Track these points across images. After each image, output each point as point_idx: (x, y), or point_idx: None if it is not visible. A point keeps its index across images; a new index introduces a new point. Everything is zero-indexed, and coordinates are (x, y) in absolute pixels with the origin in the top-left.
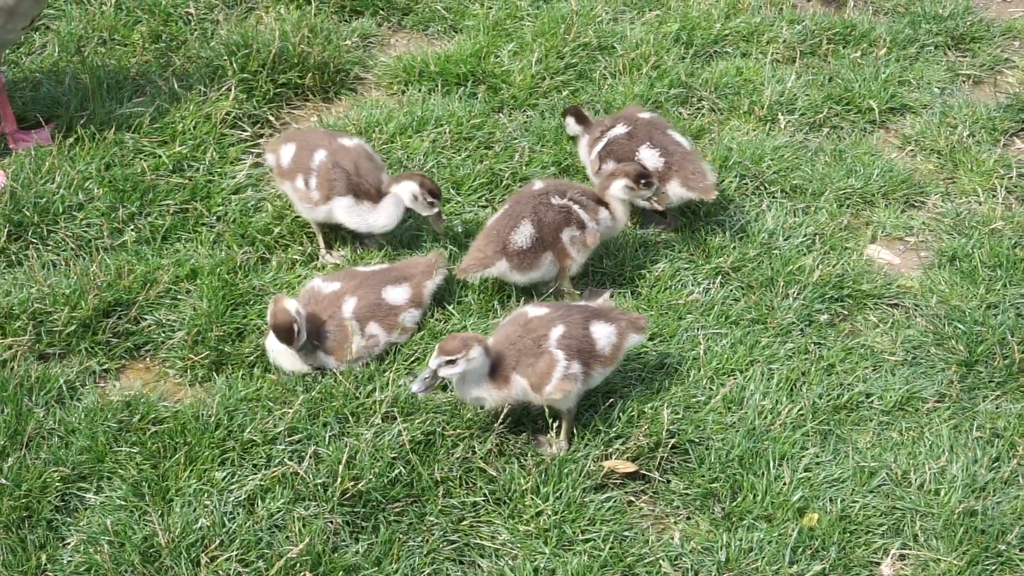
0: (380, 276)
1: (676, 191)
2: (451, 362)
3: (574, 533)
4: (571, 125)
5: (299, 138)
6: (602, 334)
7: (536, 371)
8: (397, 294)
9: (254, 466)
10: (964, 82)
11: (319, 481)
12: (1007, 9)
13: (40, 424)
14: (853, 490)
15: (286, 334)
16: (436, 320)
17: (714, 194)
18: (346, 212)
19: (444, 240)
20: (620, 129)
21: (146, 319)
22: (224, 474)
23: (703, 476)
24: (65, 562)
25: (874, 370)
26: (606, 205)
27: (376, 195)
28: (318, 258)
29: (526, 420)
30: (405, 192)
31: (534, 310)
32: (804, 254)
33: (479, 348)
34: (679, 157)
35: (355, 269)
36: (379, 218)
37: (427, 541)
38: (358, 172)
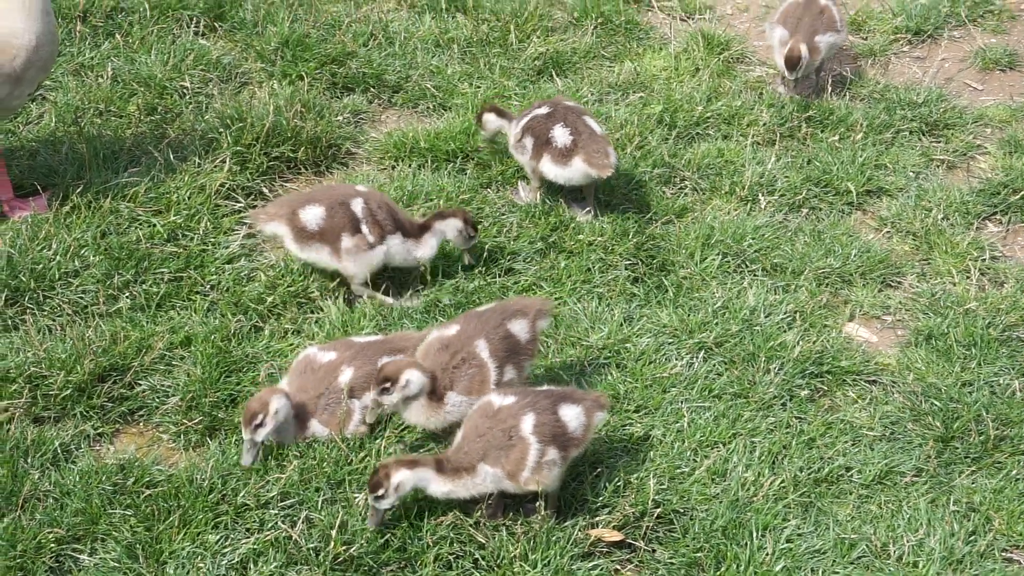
0: (376, 347)
1: (579, 167)
2: (380, 498)
3: None
4: (491, 121)
5: (319, 198)
6: (571, 415)
7: (510, 459)
8: None
9: (247, 530)
10: (938, 167)
11: (312, 545)
12: (979, 97)
13: (35, 486)
14: (834, 561)
15: (249, 422)
16: None
17: (609, 172)
18: (398, 249)
19: (436, 313)
20: (542, 110)
21: (140, 384)
22: (217, 537)
23: (687, 546)
24: None
25: (853, 444)
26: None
27: (411, 229)
28: (400, 301)
29: None
30: (451, 227)
31: (500, 399)
32: (785, 331)
33: (400, 475)
34: (586, 137)
35: (351, 339)
36: (425, 251)
37: None
38: (393, 210)
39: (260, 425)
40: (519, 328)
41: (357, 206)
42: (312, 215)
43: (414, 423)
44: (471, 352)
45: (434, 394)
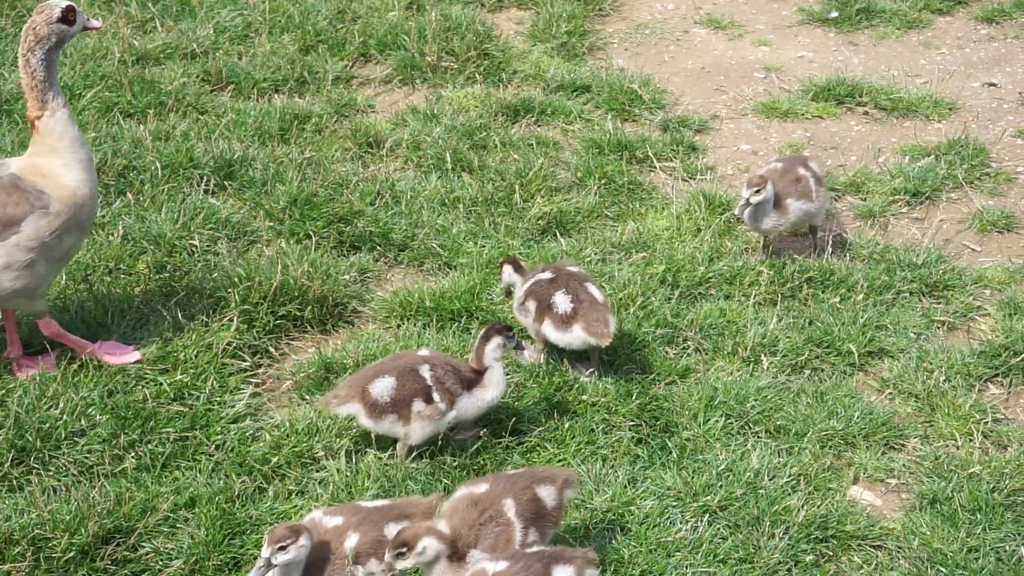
0: (383, 512)
1: (578, 334)
2: None
3: None
4: (507, 274)
5: (387, 369)
6: None
7: None
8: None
9: None
10: (939, 328)
11: None
12: (977, 259)
13: None
14: None
15: (275, 541)
16: None
17: (607, 341)
18: (469, 405)
19: (440, 475)
20: (545, 275)
21: (144, 547)
22: None
23: None
24: None
25: None
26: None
27: (472, 375)
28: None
29: None
30: (496, 350)
31: (492, 566)
32: (789, 494)
33: None
34: (587, 305)
35: (358, 504)
36: (493, 390)
37: None
38: (456, 368)
39: (283, 549)
40: (547, 494)
41: (425, 372)
42: (382, 388)
43: None
44: (498, 511)
45: (455, 555)
